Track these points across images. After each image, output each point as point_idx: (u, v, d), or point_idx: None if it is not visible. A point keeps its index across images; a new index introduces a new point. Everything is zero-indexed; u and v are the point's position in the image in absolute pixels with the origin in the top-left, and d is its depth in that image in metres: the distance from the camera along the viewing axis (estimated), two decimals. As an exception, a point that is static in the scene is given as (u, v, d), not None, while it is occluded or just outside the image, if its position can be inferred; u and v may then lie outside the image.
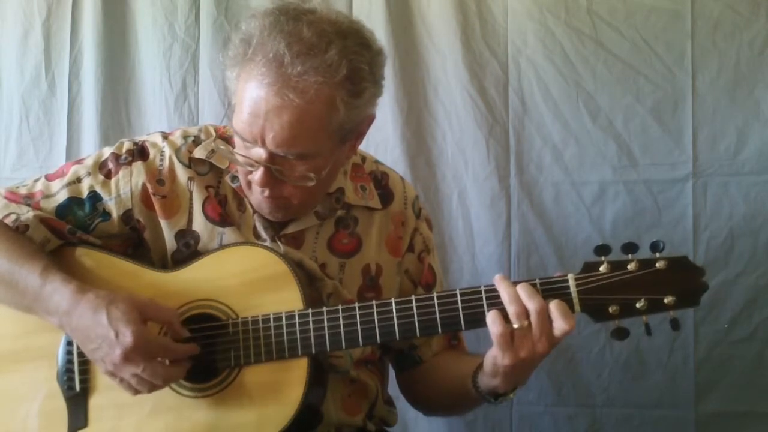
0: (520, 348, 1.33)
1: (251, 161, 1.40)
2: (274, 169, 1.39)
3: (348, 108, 1.38)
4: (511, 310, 1.32)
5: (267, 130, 1.35)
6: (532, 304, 1.32)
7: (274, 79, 1.32)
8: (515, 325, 1.32)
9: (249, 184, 1.47)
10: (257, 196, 1.48)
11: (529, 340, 1.32)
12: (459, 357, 1.64)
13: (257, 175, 1.40)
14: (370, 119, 1.49)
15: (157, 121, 2.36)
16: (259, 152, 1.38)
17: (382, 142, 2.22)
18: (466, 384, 1.49)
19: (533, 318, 1.31)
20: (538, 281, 1.36)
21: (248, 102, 1.36)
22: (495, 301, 1.36)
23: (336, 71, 1.34)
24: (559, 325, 1.31)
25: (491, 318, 1.33)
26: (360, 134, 1.50)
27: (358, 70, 1.37)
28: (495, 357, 1.36)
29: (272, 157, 1.38)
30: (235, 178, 1.55)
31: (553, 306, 1.32)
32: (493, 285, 1.37)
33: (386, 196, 1.66)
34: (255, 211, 1.54)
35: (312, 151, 1.39)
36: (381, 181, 1.68)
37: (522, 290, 1.33)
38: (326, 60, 1.33)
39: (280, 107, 1.33)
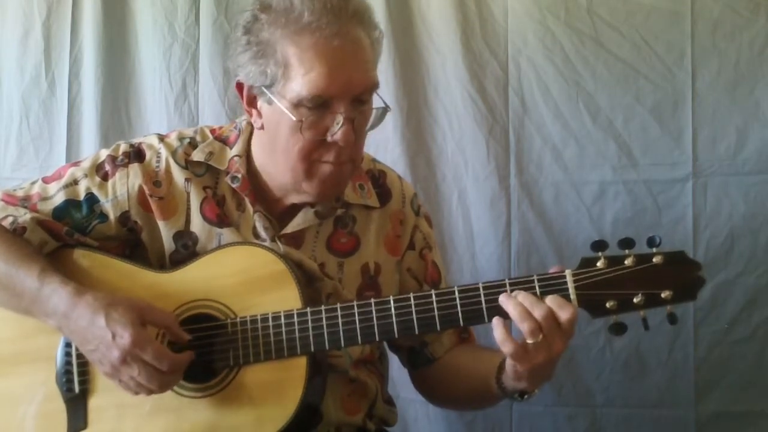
0: (536, 355, 1.32)
1: (337, 117, 1.40)
2: (353, 121, 1.41)
3: (378, 43, 1.47)
4: (525, 328, 1.31)
5: (352, 73, 1.40)
6: (538, 312, 1.31)
7: (340, 27, 1.37)
8: (529, 341, 1.31)
9: (311, 165, 1.46)
10: (325, 171, 1.46)
11: (544, 346, 1.32)
12: (474, 353, 1.64)
13: (342, 131, 1.40)
14: None
15: (157, 121, 2.36)
16: (339, 107, 1.40)
17: (382, 141, 2.21)
18: (489, 385, 1.48)
19: (543, 325, 1.31)
20: (535, 278, 1.36)
21: (323, 58, 1.37)
22: (493, 298, 1.36)
23: (366, 10, 1.44)
24: (564, 317, 1.31)
25: (500, 337, 1.32)
26: None
27: (369, 7, 1.46)
28: (514, 365, 1.36)
29: (353, 106, 1.41)
30: (235, 178, 1.55)
31: (551, 302, 1.32)
32: (493, 281, 1.37)
33: (384, 194, 1.66)
34: (255, 211, 1.54)
35: (377, 80, 1.45)
36: (378, 179, 1.68)
37: (524, 300, 1.33)
38: (356, 2, 1.42)
39: (354, 46, 1.40)
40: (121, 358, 1.35)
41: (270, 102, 1.44)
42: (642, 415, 2.15)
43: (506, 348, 1.32)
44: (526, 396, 1.47)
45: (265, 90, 1.43)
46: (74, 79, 2.40)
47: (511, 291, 1.35)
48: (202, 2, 2.34)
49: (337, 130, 1.41)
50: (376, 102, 1.49)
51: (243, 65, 1.44)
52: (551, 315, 1.31)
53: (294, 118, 1.40)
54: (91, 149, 2.32)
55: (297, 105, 1.40)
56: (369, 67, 1.43)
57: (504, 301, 1.34)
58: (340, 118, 1.40)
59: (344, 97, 1.40)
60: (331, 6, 1.37)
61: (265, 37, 1.40)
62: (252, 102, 1.49)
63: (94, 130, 2.37)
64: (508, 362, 1.38)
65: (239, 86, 1.49)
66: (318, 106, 1.39)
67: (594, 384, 2.17)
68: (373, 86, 1.45)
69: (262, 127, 1.50)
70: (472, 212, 2.24)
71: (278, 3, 1.40)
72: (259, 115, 1.49)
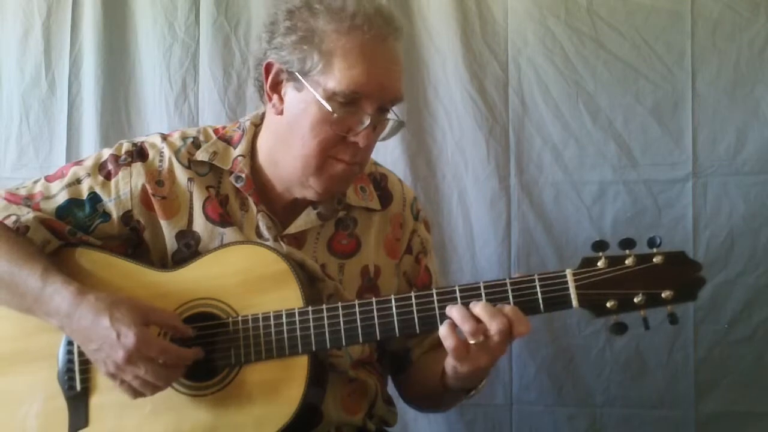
0: (479, 358, 1.35)
1: (358, 120, 1.43)
2: (374, 128, 1.45)
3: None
4: (465, 329, 1.33)
5: (387, 80, 1.43)
6: (495, 325, 1.32)
7: (387, 35, 1.43)
8: (471, 341, 1.33)
9: (324, 161, 1.47)
10: (337, 170, 1.48)
11: (487, 350, 1.34)
12: (438, 355, 1.64)
13: (364, 132, 1.44)
14: None
15: (157, 121, 2.36)
16: (368, 108, 1.42)
17: (382, 141, 2.21)
18: (438, 385, 1.51)
19: (496, 336, 1.32)
20: (536, 277, 1.36)
21: (366, 58, 1.41)
22: (494, 297, 1.36)
23: (403, 33, 1.48)
24: (518, 330, 1.33)
25: (443, 332, 1.35)
26: None
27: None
28: (454, 366, 1.38)
29: (379, 111, 1.44)
30: (239, 178, 1.55)
31: (511, 313, 1.33)
32: (493, 281, 1.37)
33: (385, 197, 1.67)
34: (259, 211, 1.55)
35: (403, 96, 1.49)
36: (380, 182, 1.68)
37: (483, 310, 1.34)
38: (398, 22, 1.46)
39: (392, 58, 1.45)
40: (126, 357, 1.35)
41: (300, 89, 1.45)
42: (642, 415, 2.15)
43: (447, 343, 1.35)
44: (473, 392, 1.50)
45: (300, 76, 1.44)
46: (74, 79, 2.40)
47: (512, 290, 1.36)
48: (202, 2, 2.34)
49: (360, 131, 1.43)
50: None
51: (280, 48, 1.45)
52: (507, 330, 1.32)
53: (329, 109, 1.42)
54: (91, 149, 2.32)
55: (330, 97, 1.42)
56: (401, 79, 1.47)
57: (448, 308, 1.37)
58: (367, 119, 1.42)
59: (375, 99, 1.42)
60: (380, 14, 1.42)
61: (314, 26, 1.42)
62: (276, 86, 1.50)
63: (94, 130, 2.37)
64: (448, 363, 1.40)
65: (268, 67, 1.49)
66: (349, 102, 1.42)
67: (594, 384, 2.17)
68: (400, 99, 1.48)
69: (281, 113, 1.50)
70: (472, 212, 2.24)
71: (338, 3, 1.43)
72: (281, 100, 1.50)
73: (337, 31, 1.41)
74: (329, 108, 1.41)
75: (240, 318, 1.45)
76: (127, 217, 1.55)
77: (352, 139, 1.44)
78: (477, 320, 1.33)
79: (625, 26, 2.13)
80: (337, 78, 1.40)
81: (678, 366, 2.12)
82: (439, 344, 1.63)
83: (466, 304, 1.36)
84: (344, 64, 1.40)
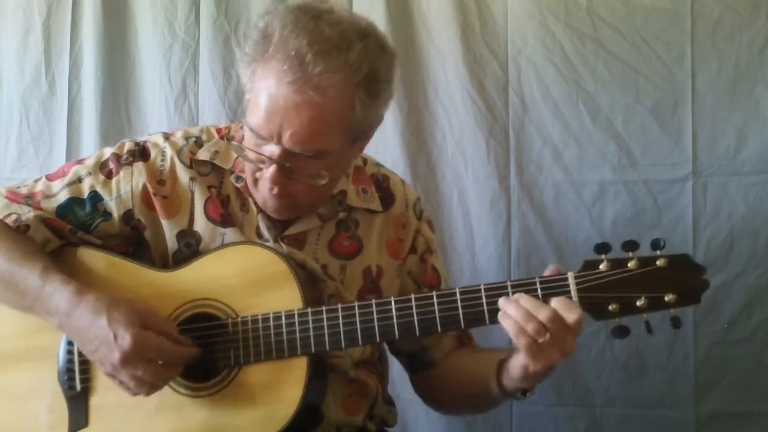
0: (551, 355, 1.32)
1: (264, 158, 1.41)
2: (287, 167, 1.40)
3: (365, 108, 1.40)
4: (530, 328, 1.30)
5: (285, 127, 1.36)
6: (543, 315, 1.30)
7: (296, 77, 1.34)
8: (539, 341, 1.30)
9: (256, 181, 1.48)
10: (264, 193, 1.47)
11: (556, 345, 1.31)
12: (473, 356, 1.63)
13: (269, 172, 1.41)
14: (380, 121, 1.50)
15: (157, 121, 2.36)
16: (273, 149, 1.39)
17: (382, 142, 2.21)
18: (489, 386, 1.48)
19: (550, 326, 1.30)
20: (537, 280, 1.36)
21: (266, 99, 1.37)
22: (494, 300, 1.35)
23: (356, 71, 1.36)
24: (571, 319, 1.30)
25: (514, 333, 1.31)
26: (369, 136, 1.51)
27: (377, 71, 1.40)
28: (526, 366, 1.35)
29: (286, 154, 1.39)
30: (239, 178, 1.55)
31: (557, 304, 1.31)
32: (494, 283, 1.37)
33: (387, 198, 1.66)
34: (259, 211, 1.55)
35: (328, 148, 1.40)
36: (382, 183, 1.68)
37: (527, 303, 1.32)
38: (347, 60, 1.35)
39: (300, 105, 1.34)
40: (123, 358, 1.35)
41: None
42: (642, 415, 2.14)
43: (521, 341, 1.31)
44: (528, 394, 1.47)
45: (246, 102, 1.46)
46: (74, 79, 2.40)
47: (513, 293, 1.35)
48: (202, 2, 2.34)
49: (264, 169, 1.43)
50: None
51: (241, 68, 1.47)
52: (557, 317, 1.30)
53: (245, 142, 1.43)
54: (91, 149, 2.31)
55: (250, 130, 1.42)
56: (313, 130, 1.37)
57: (504, 303, 1.34)
58: (267, 161, 1.41)
59: (277, 143, 1.39)
60: (296, 54, 1.33)
61: (252, 54, 1.41)
62: None
63: (94, 130, 2.37)
64: (518, 364, 1.37)
65: None
66: (259, 137, 1.40)
67: (594, 384, 2.16)
68: (314, 150, 1.39)
69: None
70: (472, 212, 2.24)
71: (269, 30, 1.39)
72: None
73: (260, 65, 1.39)
74: (245, 140, 1.43)
75: (240, 319, 1.45)
76: (127, 216, 1.55)
77: (259, 175, 1.45)
78: (539, 320, 1.30)
79: (625, 26, 2.13)
80: (250, 114, 1.41)
81: (678, 366, 2.12)
82: (460, 344, 1.63)
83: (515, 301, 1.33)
84: (252, 100, 1.41)
